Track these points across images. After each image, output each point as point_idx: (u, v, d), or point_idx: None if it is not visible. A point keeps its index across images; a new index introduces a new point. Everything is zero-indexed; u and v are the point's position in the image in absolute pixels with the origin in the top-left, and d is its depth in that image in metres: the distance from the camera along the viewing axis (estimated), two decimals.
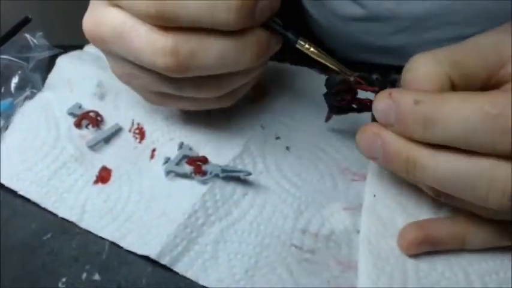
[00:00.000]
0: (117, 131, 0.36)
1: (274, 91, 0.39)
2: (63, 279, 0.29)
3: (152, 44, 0.27)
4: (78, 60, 0.41)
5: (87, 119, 0.37)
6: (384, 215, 0.29)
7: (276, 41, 0.30)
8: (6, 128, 0.37)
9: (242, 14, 0.26)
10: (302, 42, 0.29)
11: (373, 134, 0.26)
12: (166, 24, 0.27)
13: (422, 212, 0.29)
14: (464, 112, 0.22)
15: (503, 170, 0.22)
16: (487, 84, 0.26)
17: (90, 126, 0.36)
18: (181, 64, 0.27)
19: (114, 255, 0.29)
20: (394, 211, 0.30)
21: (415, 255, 0.28)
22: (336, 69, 0.29)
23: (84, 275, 0.29)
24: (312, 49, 0.29)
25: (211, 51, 0.27)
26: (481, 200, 0.23)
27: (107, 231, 0.30)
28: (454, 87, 0.26)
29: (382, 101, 0.25)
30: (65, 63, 0.41)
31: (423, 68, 0.26)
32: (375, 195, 0.30)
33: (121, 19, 0.28)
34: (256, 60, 0.29)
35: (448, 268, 0.27)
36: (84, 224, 0.31)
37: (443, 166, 0.23)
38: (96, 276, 0.29)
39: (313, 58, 0.30)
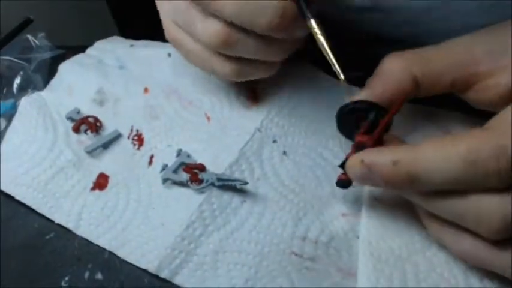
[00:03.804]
0: (116, 137, 0.37)
1: (272, 92, 0.40)
2: (66, 278, 0.30)
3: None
4: (80, 66, 0.43)
5: (86, 124, 0.38)
6: (384, 217, 0.30)
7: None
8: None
9: None
10: (314, 24, 0.30)
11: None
12: None
13: None
14: (443, 163, 0.23)
15: (488, 206, 0.23)
16: (456, 82, 0.29)
17: (88, 132, 0.38)
18: None
19: (117, 255, 0.31)
20: (394, 213, 0.31)
21: (415, 258, 0.29)
22: (334, 66, 0.30)
23: (87, 274, 0.30)
24: (319, 35, 0.30)
25: None
26: (476, 232, 0.24)
27: (104, 240, 0.32)
28: (417, 83, 0.29)
29: (357, 169, 0.26)
30: (67, 69, 0.43)
31: (388, 63, 0.29)
32: (375, 198, 0.31)
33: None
34: (275, 27, 0.30)
35: (448, 270, 0.28)
36: (81, 232, 0.32)
37: (433, 206, 0.25)
38: (99, 275, 0.30)
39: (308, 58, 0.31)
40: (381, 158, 0.25)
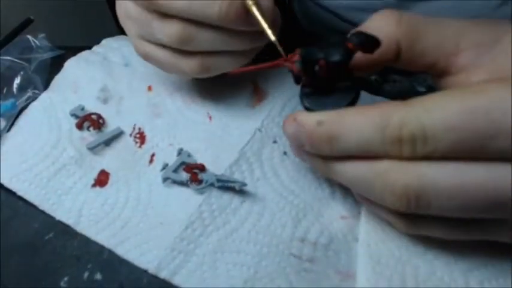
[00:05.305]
0: (118, 135, 0.38)
1: (273, 93, 0.40)
2: (65, 279, 0.31)
3: None
4: (85, 63, 0.44)
5: (89, 120, 0.39)
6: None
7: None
8: (9, 129, 0.39)
9: None
10: (250, 2, 0.31)
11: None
12: None
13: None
14: (359, 126, 0.25)
15: (395, 172, 0.24)
16: (435, 66, 0.29)
17: (91, 129, 0.38)
18: None
19: (116, 255, 0.31)
20: None
21: (415, 261, 0.29)
22: (266, 31, 0.31)
23: (86, 274, 0.31)
24: (254, 9, 0.31)
25: None
26: (380, 200, 0.26)
27: (103, 237, 0.32)
28: (399, 53, 0.28)
29: (290, 126, 0.28)
30: (72, 65, 0.44)
31: (379, 22, 0.29)
32: None
33: None
34: (225, 17, 0.31)
35: (448, 273, 0.28)
36: (80, 228, 0.33)
37: (348, 171, 0.26)
38: (98, 276, 0.31)
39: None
40: (309, 118, 0.27)
